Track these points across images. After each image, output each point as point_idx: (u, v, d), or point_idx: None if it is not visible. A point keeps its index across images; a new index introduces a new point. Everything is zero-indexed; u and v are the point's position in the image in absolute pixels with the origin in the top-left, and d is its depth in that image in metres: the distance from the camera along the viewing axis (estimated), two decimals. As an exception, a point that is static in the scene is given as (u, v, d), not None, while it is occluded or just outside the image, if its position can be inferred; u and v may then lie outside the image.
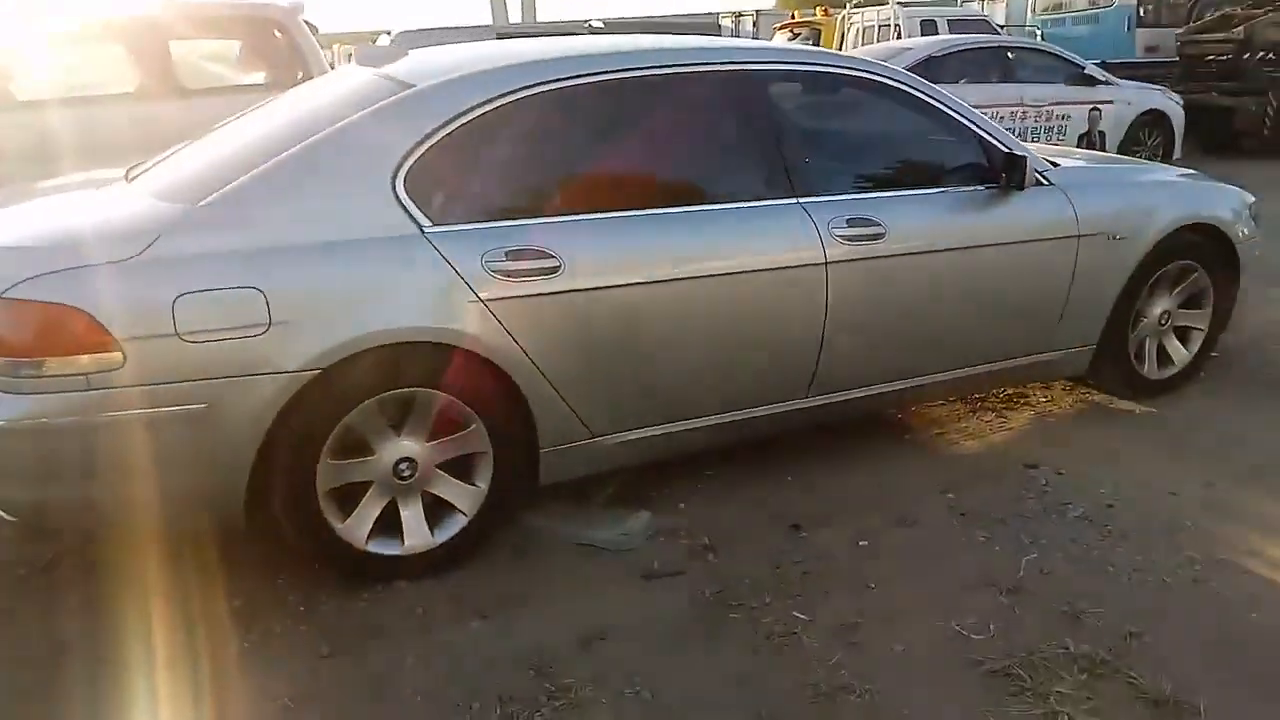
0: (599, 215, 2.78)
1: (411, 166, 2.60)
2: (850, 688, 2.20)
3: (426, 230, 2.57)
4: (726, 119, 3.06)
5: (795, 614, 2.48)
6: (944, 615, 2.46)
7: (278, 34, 6.48)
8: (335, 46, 17.16)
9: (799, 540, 2.86)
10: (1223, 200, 3.91)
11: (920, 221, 3.19)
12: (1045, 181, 3.41)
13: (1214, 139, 12.05)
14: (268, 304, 2.37)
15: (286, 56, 6.47)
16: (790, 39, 16.99)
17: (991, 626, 2.41)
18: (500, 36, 11.55)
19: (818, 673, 2.25)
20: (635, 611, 2.54)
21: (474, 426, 2.66)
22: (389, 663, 2.35)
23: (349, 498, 2.61)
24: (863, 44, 14.02)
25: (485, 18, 21.44)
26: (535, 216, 2.71)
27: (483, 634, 2.46)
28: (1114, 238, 3.53)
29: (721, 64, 3.05)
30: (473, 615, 2.53)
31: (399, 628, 2.49)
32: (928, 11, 14.45)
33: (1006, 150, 3.33)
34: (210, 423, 2.37)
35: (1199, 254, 3.79)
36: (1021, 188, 3.29)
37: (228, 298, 2.36)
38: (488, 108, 2.70)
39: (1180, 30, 13.49)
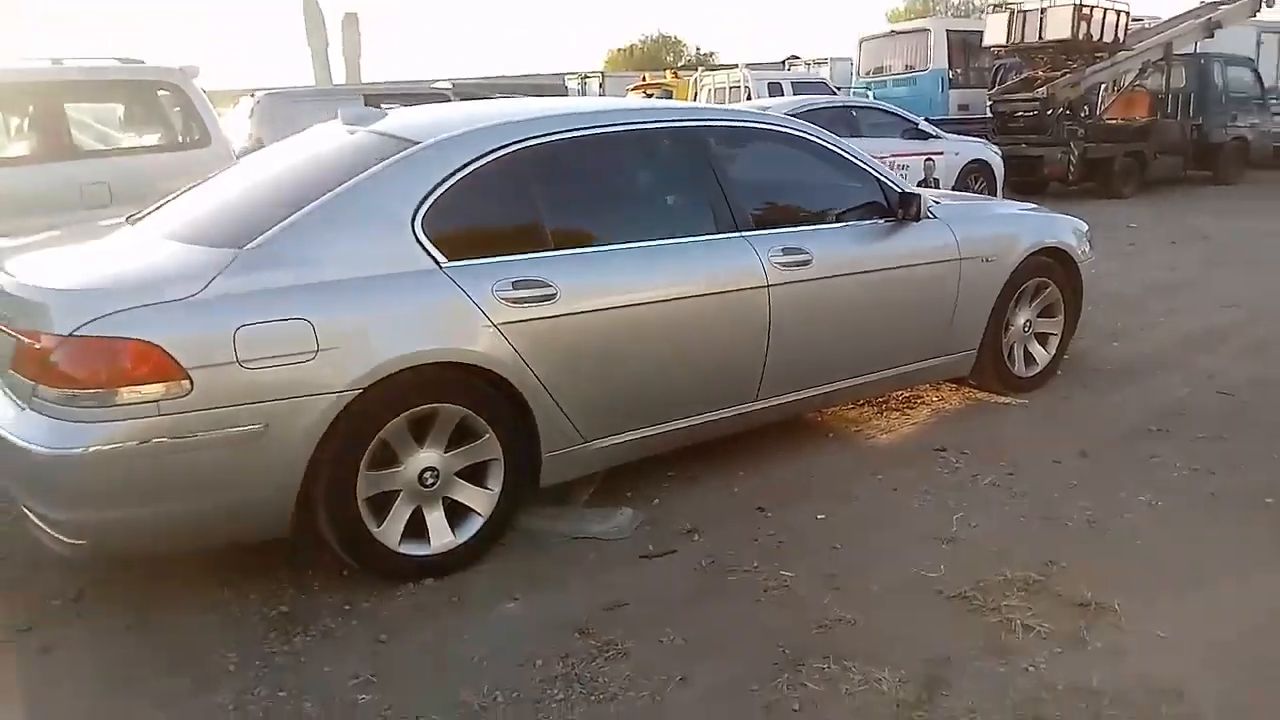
0: (586, 250, 3.24)
1: (427, 212, 2.98)
2: (844, 619, 2.68)
3: (444, 266, 2.95)
4: (683, 166, 3.60)
5: (783, 572, 2.95)
6: (903, 562, 2.99)
7: (165, 93, 6.63)
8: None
9: (766, 519, 3.34)
10: (1066, 227, 4.73)
11: (839, 249, 3.79)
12: (931, 215, 4.09)
13: (1027, 183, 13.58)
14: (315, 333, 2.69)
15: (181, 118, 6.63)
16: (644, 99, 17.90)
17: (942, 566, 2.95)
18: (367, 99, 11.78)
19: (814, 612, 2.73)
20: (645, 583, 2.95)
21: (487, 436, 3.03)
22: (445, 639, 2.67)
23: (381, 505, 2.93)
24: (714, 104, 15.01)
25: (307, 79, 20.92)
26: (533, 251, 3.12)
27: (519, 611, 2.81)
28: (986, 260, 4.25)
29: (675, 121, 3.63)
30: (505, 598, 2.87)
31: (443, 613, 2.81)
32: (774, 74, 15.66)
33: (901, 190, 3.99)
34: (268, 440, 2.66)
35: (1050, 272, 4.57)
36: (918, 219, 3.95)
37: (282, 328, 2.67)
38: (487, 159, 3.12)
39: (990, 90, 15.13)
